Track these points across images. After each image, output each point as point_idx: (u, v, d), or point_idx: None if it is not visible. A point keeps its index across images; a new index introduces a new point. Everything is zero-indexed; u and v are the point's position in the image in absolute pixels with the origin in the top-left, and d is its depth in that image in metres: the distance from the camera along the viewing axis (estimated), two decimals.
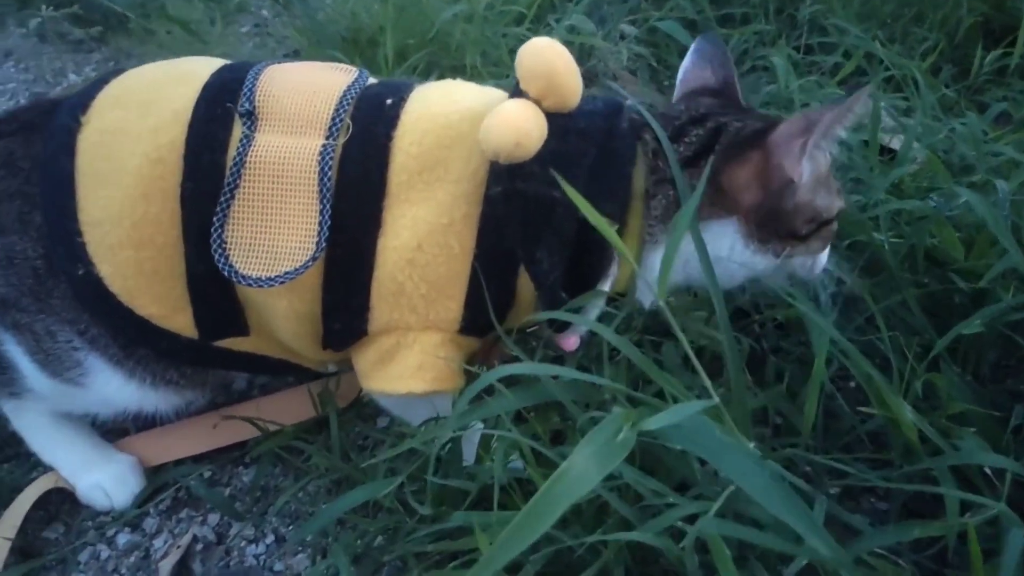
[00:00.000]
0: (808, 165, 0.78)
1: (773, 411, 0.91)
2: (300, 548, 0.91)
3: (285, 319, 0.81)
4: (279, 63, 0.84)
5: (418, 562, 0.78)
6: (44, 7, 2.16)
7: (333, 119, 0.77)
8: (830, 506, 0.68)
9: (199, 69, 0.83)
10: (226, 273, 0.74)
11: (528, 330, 0.83)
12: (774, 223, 0.80)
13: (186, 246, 0.78)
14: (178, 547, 0.91)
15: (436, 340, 0.80)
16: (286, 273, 0.74)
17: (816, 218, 0.82)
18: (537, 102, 0.75)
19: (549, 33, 1.71)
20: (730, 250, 0.81)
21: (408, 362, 0.80)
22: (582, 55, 1.75)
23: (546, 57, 0.75)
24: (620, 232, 0.77)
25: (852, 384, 0.96)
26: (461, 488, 0.76)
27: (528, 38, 0.77)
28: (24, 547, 0.92)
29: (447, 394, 0.81)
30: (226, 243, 0.75)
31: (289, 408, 1.03)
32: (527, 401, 0.73)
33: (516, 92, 0.76)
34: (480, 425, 0.82)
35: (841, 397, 0.89)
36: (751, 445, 0.61)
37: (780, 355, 0.99)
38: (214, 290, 0.79)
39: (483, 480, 0.74)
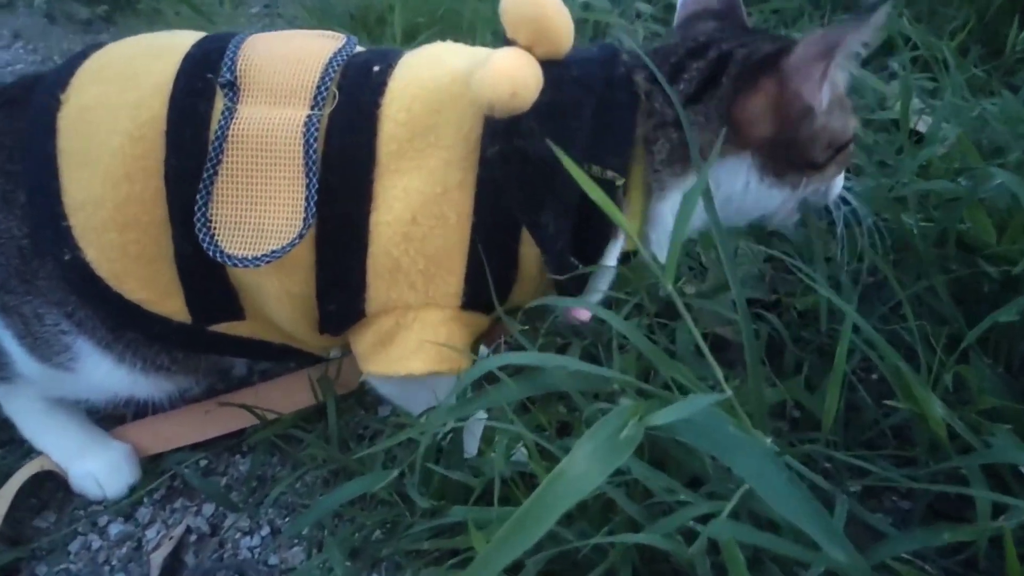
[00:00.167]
0: (828, 89, 0.74)
1: (791, 403, 0.87)
2: (295, 541, 0.88)
3: (278, 301, 0.77)
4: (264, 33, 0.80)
5: (416, 558, 0.74)
6: None
7: (318, 88, 0.73)
8: (851, 505, 0.64)
9: (181, 41, 0.79)
10: (211, 253, 0.71)
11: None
12: (791, 153, 0.76)
13: (173, 227, 0.74)
14: (171, 538, 0.88)
15: (437, 317, 0.75)
16: (273, 252, 0.70)
17: (834, 143, 0.77)
18: (528, 49, 0.70)
19: None
20: (745, 187, 0.77)
21: (408, 342, 0.76)
22: (597, 33, 1.71)
23: None
24: (625, 186, 0.73)
25: (875, 376, 0.91)
26: (463, 482, 0.72)
27: None
28: (13, 536, 0.89)
29: (449, 380, 0.76)
30: (211, 222, 0.71)
31: (288, 395, 0.99)
32: (530, 391, 0.69)
33: (504, 42, 0.71)
34: (483, 415, 0.78)
35: (863, 389, 0.85)
36: (768, 440, 0.57)
37: (799, 344, 0.95)
38: (204, 272, 0.76)
39: (486, 474, 0.70)
